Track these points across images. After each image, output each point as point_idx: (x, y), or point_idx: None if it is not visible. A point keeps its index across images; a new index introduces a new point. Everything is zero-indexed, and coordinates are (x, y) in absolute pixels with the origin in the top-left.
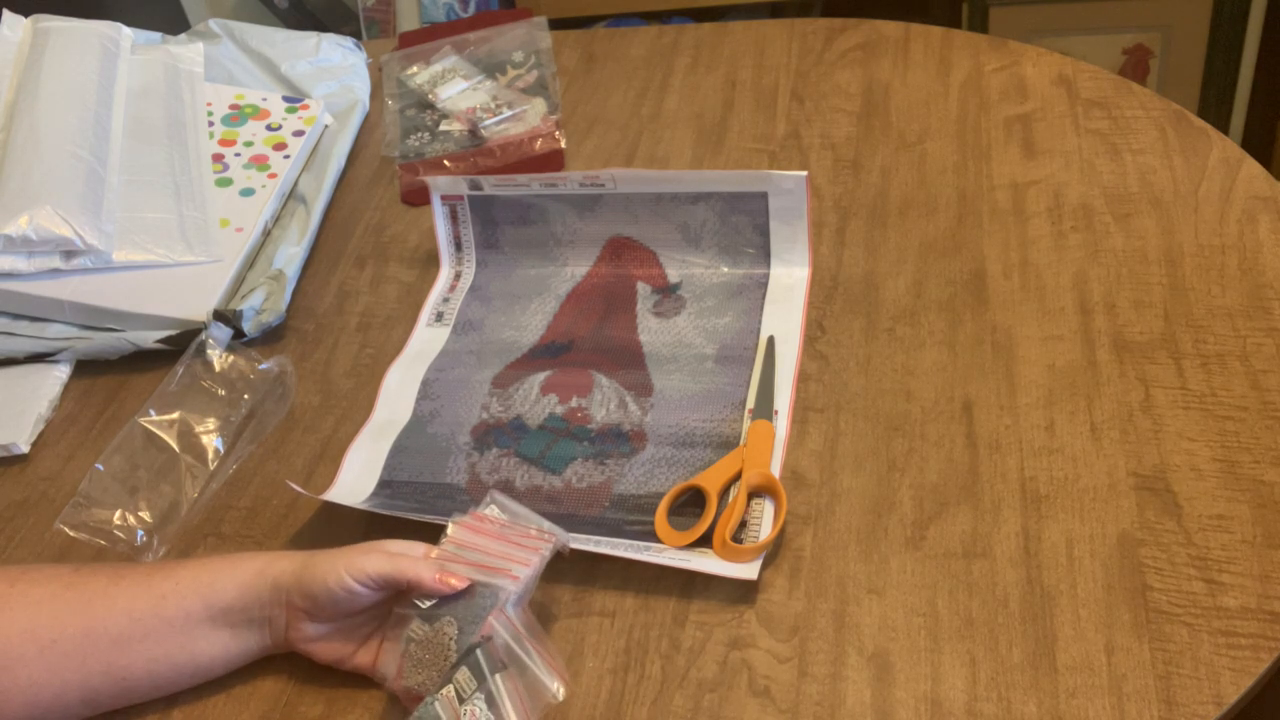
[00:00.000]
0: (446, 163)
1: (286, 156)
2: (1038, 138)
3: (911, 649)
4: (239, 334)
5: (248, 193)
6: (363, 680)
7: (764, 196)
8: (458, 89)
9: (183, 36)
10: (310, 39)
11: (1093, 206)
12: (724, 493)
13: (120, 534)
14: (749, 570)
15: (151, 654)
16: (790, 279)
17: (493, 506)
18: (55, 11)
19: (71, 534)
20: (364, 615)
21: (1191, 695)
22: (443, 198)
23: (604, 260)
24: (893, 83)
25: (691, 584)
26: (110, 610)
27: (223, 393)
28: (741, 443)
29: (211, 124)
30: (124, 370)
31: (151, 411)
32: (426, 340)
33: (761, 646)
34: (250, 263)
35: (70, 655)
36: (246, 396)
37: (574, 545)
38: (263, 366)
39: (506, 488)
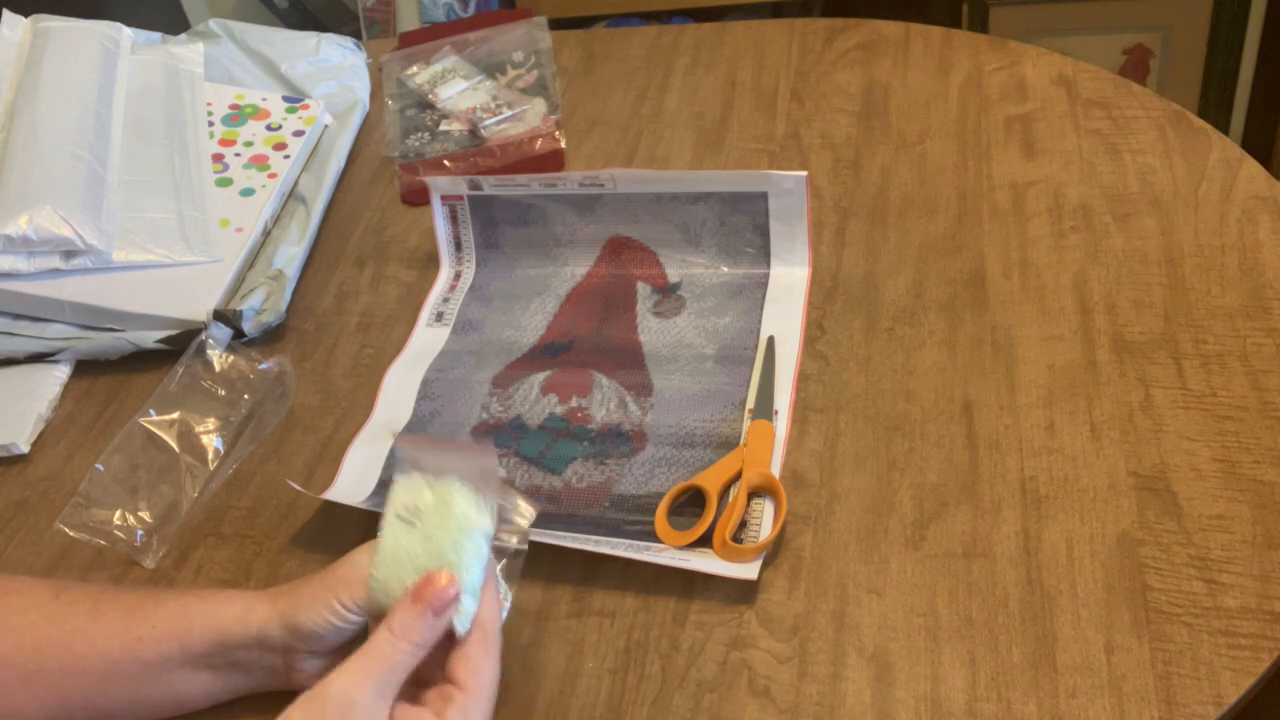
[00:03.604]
0: (446, 163)
1: (286, 156)
2: (1038, 138)
3: (911, 649)
4: (239, 334)
5: (248, 193)
6: None
7: (764, 196)
8: (458, 89)
9: (183, 36)
10: (310, 39)
11: (1093, 206)
12: (724, 493)
13: (120, 534)
14: (749, 570)
15: (131, 695)
16: (790, 279)
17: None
18: (55, 11)
19: (71, 534)
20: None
21: (1191, 695)
22: (442, 198)
23: (604, 260)
24: (893, 83)
25: (691, 584)
26: (90, 649)
27: (223, 393)
28: (741, 443)
29: (211, 124)
30: (124, 370)
31: (151, 411)
32: (426, 340)
33: (761, 646)
34: (250, 263)
35: (51, 690)
36: (246, 396)
37: (574, 545)
38: (263, 366)
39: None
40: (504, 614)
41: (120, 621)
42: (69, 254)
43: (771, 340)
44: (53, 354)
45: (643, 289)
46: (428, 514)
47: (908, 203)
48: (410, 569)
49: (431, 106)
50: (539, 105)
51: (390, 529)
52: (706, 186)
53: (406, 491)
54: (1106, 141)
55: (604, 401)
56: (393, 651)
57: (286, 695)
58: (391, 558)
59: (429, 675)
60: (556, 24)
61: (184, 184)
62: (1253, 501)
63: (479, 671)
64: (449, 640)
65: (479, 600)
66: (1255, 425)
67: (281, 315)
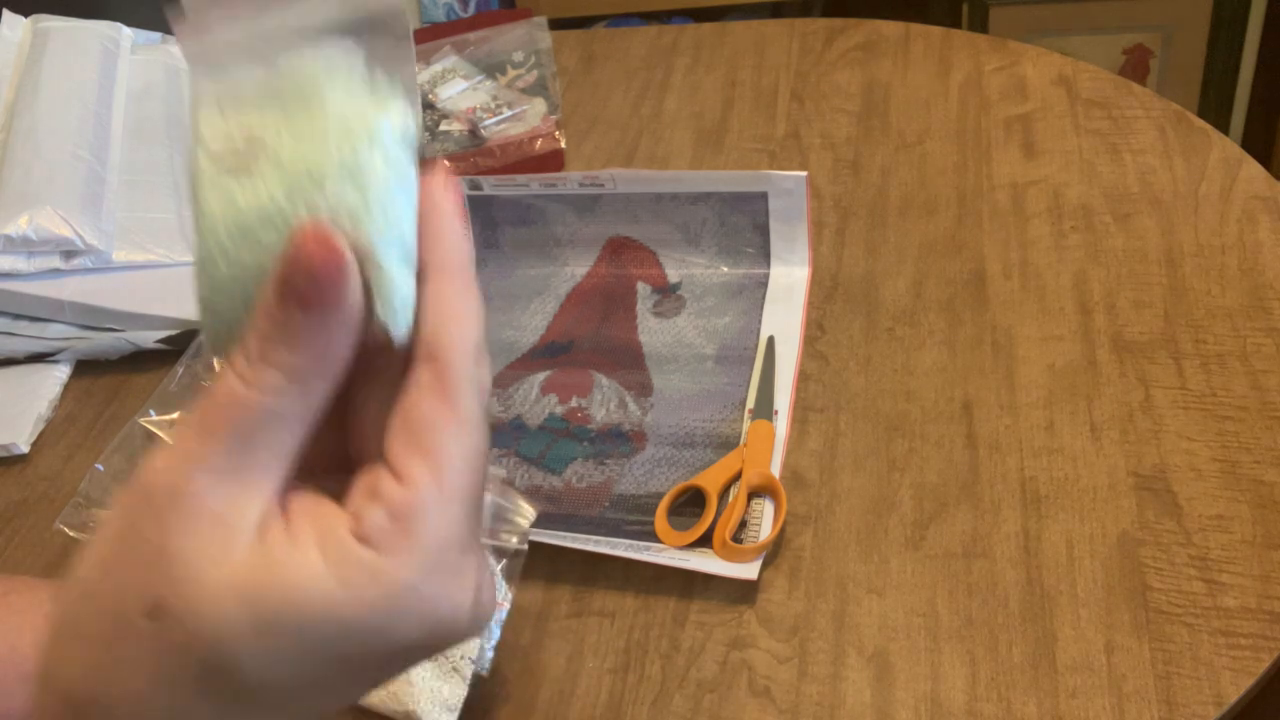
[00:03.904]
0: (446, 163)
1: None
2: (1038, 138)
3: (911, 649)
4: None
5: None
6: None
7: (764, 196)
8: (458, 89)
9: None
10: None
11: (1093, 206)
12: (724, 493)
13: None
14: (749, 570)
15: None
16: (790, 279)
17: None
18: (55, 11)
19: (71, 534)
20: None
21: (1191, 695)
22: None
23: (604, 260)
24: (893, 83)
25: (691, 584)
26: None
27: None
28: (741, 443)
29: None
30: (124, 370)
31: (151, 411)
32: None
33: (761, 646)
34: None
35: None
36: None
37: (574, 545)
38: None
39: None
40: (502, 611)
41: None
42: (69, 254)
43: (771, 340)
44: (53, 354)
45: (643, 289)
46: (271, 136)
47: (908, 203)
48: (271, 242)
49: (431, 106)
50: (539, 105)
51: (208, 187)
52: (706, 186)
53: (220, 118)
54: (1106, 141)
55: (604, 401)
56: (244, 395)
57: None
58: (229, 236)
59: (366, 444)
60: (556, 24)
61: (184, 184)
62: (1253, 501)
63: (433, 443)
64: (391, 375)
65: (415, 270)
66: (1255, 425)
67: None
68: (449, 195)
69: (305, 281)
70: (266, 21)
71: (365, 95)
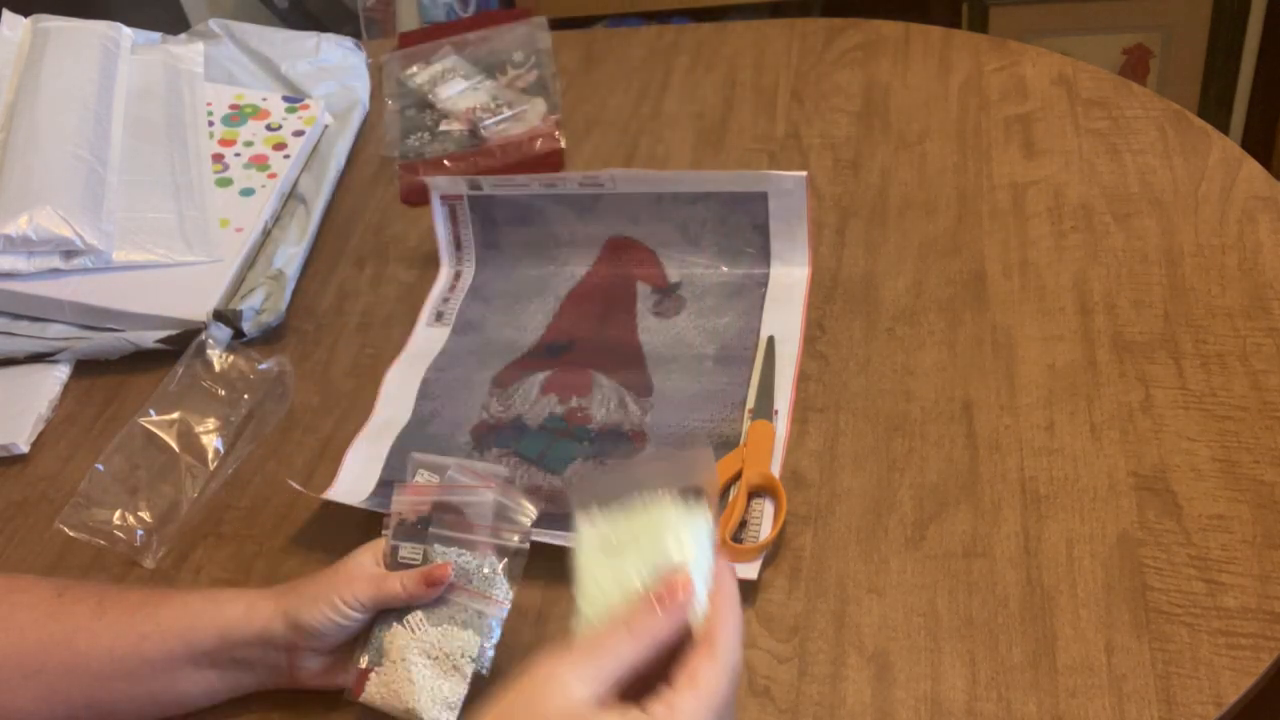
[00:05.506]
0: (446, 163)
1: (286, 156)
2: (1038, 138)
3: (911, 649)
4: (239, 334)
5: (248, 193)
6: None
7: (764, 196)
8: (458, 89)
9: (183, 36)
10: (310, 39)
11: (1093, 206)
12: (724, 493)
13: (120, 534)
14: (749, 570)
15: (134, 692)
16: (790, 279)
17: (421, 472)
18: (55, 11)
19: (71, 534)
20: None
21: (1191, 695)
22: (442, 197)
23: (604, 260)
24: (893, 83)
25: None
26: (93, 646)
27: (223, 393)
28: (741, 443)
29: (211, 124)
30: (124, 370)
31: (151, 411)
32: (426, 340)
33: (761, 646)
34: (250, 263)
35: (54, 689)
36: (246, 396)
37: (574, 545)
38: (262, 366)
39: None
40: (503, 610)
41: (125, 619)
42: (69, 254)
43: (771, 340)
44: (53, 354)
45: (643, 289)
46: (632, 541)
47: (908, 203)
48: (619, 594)
49: (431, 106)
50: (539, 105)
51: (588, 571)
52: (706, 186)
53: (597, 530)
54: (1106, 141)
55: (604, 401)
56: (627, 649)
57: (288, 694)
58: (598, 586)
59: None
60: (556, 24)
61: (184, 184)
62: (1253, 501)
63: (699, 676)
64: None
65: (708, 587)
66: (1255, 425)
67: (281, 315)
68: (730, 577)
69: (669, 601)
70: (630, 484)
71: (688, 517)
